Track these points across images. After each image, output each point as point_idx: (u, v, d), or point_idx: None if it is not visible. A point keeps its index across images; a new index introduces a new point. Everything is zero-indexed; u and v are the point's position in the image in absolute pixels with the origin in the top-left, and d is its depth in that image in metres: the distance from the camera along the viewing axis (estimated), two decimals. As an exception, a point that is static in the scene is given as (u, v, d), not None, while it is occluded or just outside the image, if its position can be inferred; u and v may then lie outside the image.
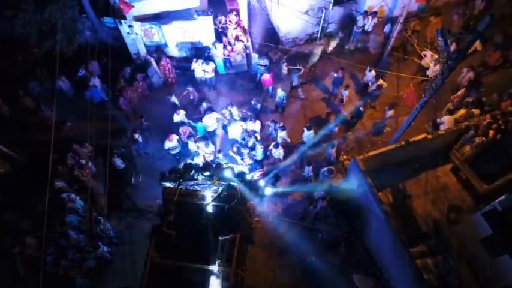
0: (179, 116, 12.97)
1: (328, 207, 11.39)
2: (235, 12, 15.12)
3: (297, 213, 12.26)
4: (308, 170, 12.01)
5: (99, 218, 11.09)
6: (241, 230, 9.25)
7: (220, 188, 9.42)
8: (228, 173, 9.44)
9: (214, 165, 10.10)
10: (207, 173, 9.45)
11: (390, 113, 12.96)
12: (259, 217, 11.83)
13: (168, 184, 9.53)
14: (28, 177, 11.85)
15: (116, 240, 11.54)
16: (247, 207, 9.98)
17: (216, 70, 14.62)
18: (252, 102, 13.72)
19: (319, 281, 10.89)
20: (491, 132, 10.76)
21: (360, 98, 14.25)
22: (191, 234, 9.00)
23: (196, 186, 9.70)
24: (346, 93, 13.68)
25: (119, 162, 12.13)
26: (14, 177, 12.15)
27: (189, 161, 11.79)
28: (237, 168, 11.62)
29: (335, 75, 13.97)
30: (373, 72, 13.63)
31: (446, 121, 11.79)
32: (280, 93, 13.54)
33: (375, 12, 14.12)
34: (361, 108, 13.29)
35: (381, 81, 13.33)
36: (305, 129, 12.48)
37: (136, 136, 12.54)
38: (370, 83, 13.87)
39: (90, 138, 11.79)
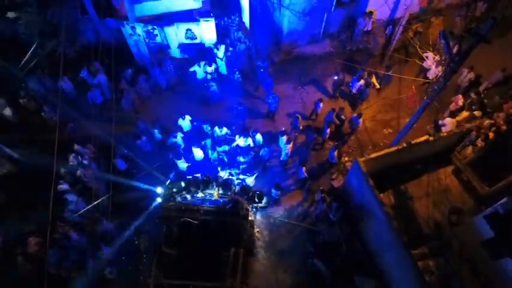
0: (184, 121, 13.00)
1: (329, 207, 11.37)
2: (237, 14, 15.15)
3: (298, 214, 12.27)
4: (301, 171, 12.07)
5: (101, 218, 11.11)
6: (243, 243, 9.17)
7: (223, 202, 9.34)
8: (228, 186, 9.38)
9: (214, 179, 10.05)
10: (208, 187, 9.35)
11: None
12: (259, 227, 11.81)
13: (167, 194, 9.42)
14: (30, 178, 11.89)
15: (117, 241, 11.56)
16: (248, 219, 9.93)
17: (218, 71, 14.66)
18: (238, 107, 13.49)
19: (320, 282, 10.90)
20: (491, 134, 10.77)
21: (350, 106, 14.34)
22: (193, 251, 8.88)
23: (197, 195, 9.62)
24: (321, 105, 13.32)
25: (121, 163, 12.16)
26: (16, 178, 12.18)
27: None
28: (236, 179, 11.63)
29: (335, 77, 13.99)
30: (362, 82, 13.49)
31: (448, 123, 11.81)
32: (271, 98, 13.40)
33: (371, 13, 14.16)
34: (342, 117, 13.19)
35: (373, 81, 13.32)
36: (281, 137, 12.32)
37: (143, 140, 12.57)
38: (356, 91, 13.81)
39: (93, 139, 11.83)
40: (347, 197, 11.64)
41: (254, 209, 11.41)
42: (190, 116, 13.11)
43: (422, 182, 11.22)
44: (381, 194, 10.03)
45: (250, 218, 10.11)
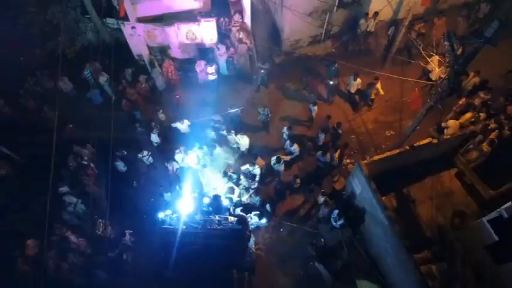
0: (183, 125, 12.86)
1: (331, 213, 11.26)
2: (238, 14, 15.04)
3: (298, 217, 12.15)
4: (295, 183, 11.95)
5: (99, 220, 11.03)
6: (246, 263, 9.02)
7: (224, 223, 9.16)
8: (227, 203, 9.21)
9: (212, 197, 9.87)
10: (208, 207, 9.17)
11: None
12: (259, 245, 11.61)
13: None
14: (29, 179, 11.80)
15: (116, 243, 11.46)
16: (250, 238, 9.77)
17: (218, 72, 14.55)
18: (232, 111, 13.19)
19: (321, 286, 10.79)
20: (494, 136, 10.64)
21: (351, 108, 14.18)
22: (194, 276, 8.59)
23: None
24: (315, 109, 13.16)
25: (121, 166, 12.06)
26: (15, 179, 12.10)
27: None
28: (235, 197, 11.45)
29: (331, 82, 13.88)
30: (358, 80, 13.34)
31: (451, 125, 11.64)
32: (263, 110, 13.14)
33: (376, 13, 14.03)
34: (339, 131, 12.84)
35: (378, 87, 13.19)
36: (273, 160, 12.02)
37: (146, 153, 12.41)
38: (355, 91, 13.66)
39: (92, 140, 11.72)
40: (348, 200, 11.53)
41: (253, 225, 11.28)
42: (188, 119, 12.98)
43: (425, 185, 11.09)
44: (383, 197, 9.92)
45: (251, 236, 9.95)
